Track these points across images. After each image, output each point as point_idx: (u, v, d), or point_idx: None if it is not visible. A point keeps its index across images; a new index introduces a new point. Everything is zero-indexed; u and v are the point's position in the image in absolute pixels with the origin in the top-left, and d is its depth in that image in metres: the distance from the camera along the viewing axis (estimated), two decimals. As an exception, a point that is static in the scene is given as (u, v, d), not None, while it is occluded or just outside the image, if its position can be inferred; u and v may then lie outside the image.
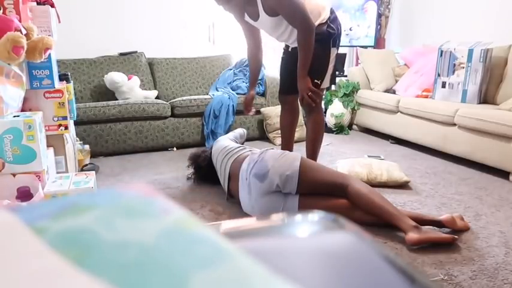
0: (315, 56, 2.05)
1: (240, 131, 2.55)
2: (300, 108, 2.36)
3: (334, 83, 3.98)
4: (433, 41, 3.65)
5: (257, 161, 1.86)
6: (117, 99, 3.35)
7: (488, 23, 3.44)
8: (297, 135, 3.33)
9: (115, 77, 3.34)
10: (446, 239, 1.60)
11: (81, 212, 0.22)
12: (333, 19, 2.11)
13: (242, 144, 2.40)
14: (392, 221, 1.66)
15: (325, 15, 2.08)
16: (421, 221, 1.68)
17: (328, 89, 3.94)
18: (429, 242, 1.59)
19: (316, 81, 2.13)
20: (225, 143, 2.21)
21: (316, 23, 2.05)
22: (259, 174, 1.81)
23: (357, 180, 1.83)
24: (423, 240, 1.58)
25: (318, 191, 1.81)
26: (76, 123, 2.85)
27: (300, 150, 2.29)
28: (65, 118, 1.78)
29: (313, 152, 2.33)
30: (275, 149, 1.96)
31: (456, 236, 1.64)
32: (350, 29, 4.21)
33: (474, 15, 3.58)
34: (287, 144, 2.47)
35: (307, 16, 1.95)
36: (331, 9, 2.15)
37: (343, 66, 4.35)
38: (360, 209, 1.75)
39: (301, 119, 2.63)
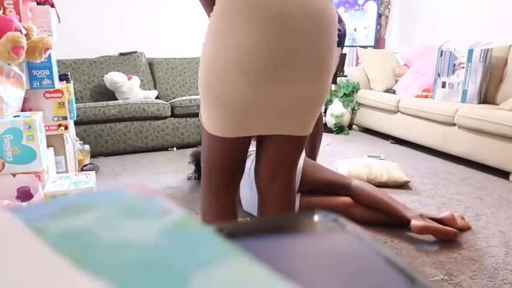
0: None
1: None
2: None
3: (335, 83, 3.98)
4: (433, 41, 3.65)
5: None
6: (117, 99, 3.35)
7: (488, 23, 3.44)
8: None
9: (115, 77, 3.33)
10: (449, 232, 1.61)
11: (81, 212, 0.22)
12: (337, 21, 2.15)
13: None
14: (396, 212, 1.67)
15: None
16: None
17: (328, 89, 3.94)
18: (433, 231, 1.59)
19: None
20: None
21: None
22: None
23: (358, 180, 1.87)
24: (428, 228, 1.58)
25: (320, 190, 1.82)
26: (76, 123, 2.85)
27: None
28: (65, 118, 1.78)
29: (312, 152, 2.34)
30: None
31: (458, 232, 1.64)
32: (355, 30, 4.21)
33: (474, 15, 3.58)
34: None
35: None
36: None
37: (343, 66, 4.35)
38: (362, 204, 1.76)
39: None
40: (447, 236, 1.61)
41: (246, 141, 1.04)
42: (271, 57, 0.86)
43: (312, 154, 2.32)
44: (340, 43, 2.18)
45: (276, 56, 0.87)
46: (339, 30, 2.14)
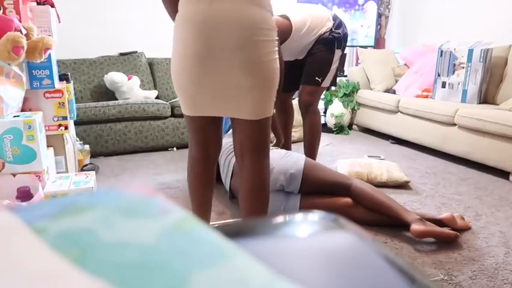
0: (320, 55, 2.19)
1: None
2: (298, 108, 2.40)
3: (335, 85, 3.98)
4: (433, 41, 3.65)
5: None
6: (117, 99, 3.35)
7: (488, 23, 3.44)
8: (297, 135, 3.33)
9: (115, 77, 3.33)
10: (449, 235, 1.61)
11: (81, 212, 0.22)
12: (337, 25, 2.22)
13: None
14: (396, 215, 1.67)
15: (329, 25, 2.20)
16: None
17: (328, 89, 3.94)
18: (433, 235, 1.59)
19: (317, 78, 2.22)
20: (231, 140, 2.23)
21: (322, 32, 2.19)
22: None
23: (359, 180, 1.86)
24: (428, 232, 1.58)
25: (320, 190, 1.82)
26: (76, 123, 2.85)
27: (297, 151, 2.29)
28: (65, 118, 1.78)
29: (311, 152, 2.34)
30: (279, 149, 1.98)
31: (459, 234, 1.64)
32: (354, 31, 4.21)
33: (474, 15, 3.58)
34: (285, 144, 2.48)
35: None
36: (334, 15, 2.25)
37: (343, 66, 4.35)
38: (363, 206, 1.76)
39: (301, 118, 2.64)
40: (447, 239, 1.61)
41: (211, 121, 1.34)
42: (199, 54, 1.18)
43: (311, 155, 2.32)
44: (340, 45, 2.23)
45: (203, 53, 1.18)
46: (338, 33, 2.20)
